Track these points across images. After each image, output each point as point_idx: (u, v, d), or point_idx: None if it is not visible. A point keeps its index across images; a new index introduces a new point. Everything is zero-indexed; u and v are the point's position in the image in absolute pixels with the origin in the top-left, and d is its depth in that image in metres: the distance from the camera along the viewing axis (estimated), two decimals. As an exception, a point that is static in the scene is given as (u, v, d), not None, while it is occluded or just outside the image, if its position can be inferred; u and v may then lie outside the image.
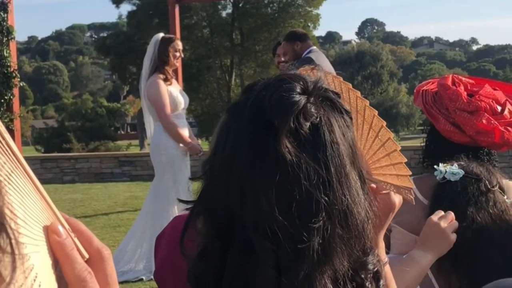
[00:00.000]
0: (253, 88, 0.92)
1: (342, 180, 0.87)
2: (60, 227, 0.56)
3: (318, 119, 0.87)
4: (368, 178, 0.95)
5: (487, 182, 1.69)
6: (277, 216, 0.83)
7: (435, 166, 1.75)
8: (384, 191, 1.15)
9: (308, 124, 0.86)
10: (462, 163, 1.75)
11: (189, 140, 5.18)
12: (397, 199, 1.17)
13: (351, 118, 0.93)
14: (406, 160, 1.15)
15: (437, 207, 1.67)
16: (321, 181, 0.85)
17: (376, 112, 1.13)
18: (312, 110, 0.87)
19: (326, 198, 0.84)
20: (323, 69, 1.06)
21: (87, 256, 0.58)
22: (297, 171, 0.84)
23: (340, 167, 0.87)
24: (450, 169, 1.71)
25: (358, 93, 1.14)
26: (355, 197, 0.88)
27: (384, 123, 1.12)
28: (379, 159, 1.13)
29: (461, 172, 1.70)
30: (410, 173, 1.15)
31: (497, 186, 1.70)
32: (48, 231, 0.55)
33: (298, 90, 0.88)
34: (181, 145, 5.16)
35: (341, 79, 1.16)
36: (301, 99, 0.87)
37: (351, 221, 0.87)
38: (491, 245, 1.61)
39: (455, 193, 1.68)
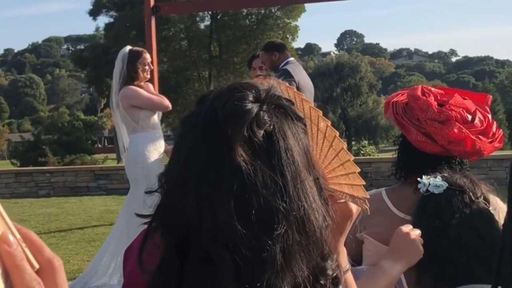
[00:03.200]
0: (206, 98, 0.93)
1: (298, 187, 0.86)
2: (10, 237, 0.56)
3: (271, 126, 0.87)
4: (324, 187, 0.95)
5: (471, 193, 1.65)
6: (236, 225, 0.82)
7: (418, 179, 1.73)
8: (341, 200, 1.15)
9: (261, 132, 0.86)
10: (446, 174, 1.72)
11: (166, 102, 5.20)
12: (354, 207, 1.17)
13: (305, 125, 0.93)
14: (359, 170, 1.16)
15: (420, 220, 1.64)
16: (278, 188, 0.84)
17: (329, 123, 1.15)
18: (265, 117, 0.87)
19: (284, 205, 0.84)
20: (276, 78, 1.07)
21: (37, 266, 0.57)
22: (253, 179, 0.83)
23: (296, 173, 0.87)
24: (433, 182, 1.67)
25: (312, 104, 1.15)
26: (311, 203, 0.88)
27: (337, 133, 1.15)
28: (334, 168, 1.15)
29: (445, 184, 1.66)
30: (364, 183, 1.16)
31: (482, 197, 1.67)
32: None
33: (251, 98, 0.88)
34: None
35: (294, 89, 1.15)
36: (253, 107, 0.87)
37: (309, 227, 0.87)
38: (476, 261, 1.57)
39: (439, 206, 1.64)
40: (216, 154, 0.85)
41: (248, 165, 0.84)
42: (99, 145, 52.34)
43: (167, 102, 5.20)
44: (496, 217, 1.70)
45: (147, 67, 5.14)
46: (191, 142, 0.89)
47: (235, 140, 0.84)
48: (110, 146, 47.77)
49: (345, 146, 1.15)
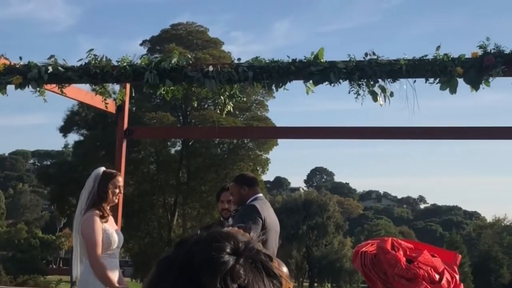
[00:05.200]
0: (185, 243, 0.92)
1: None
2: None
3: (246, 281, 0.86)
4: None
5: None
6: None
7: None
8: None
9: (235, 286, 0.86)
10: None
11: (116, 284, 4.94)
12: None
13: (280, 283, 0.92)
14: None
15: None
16: None
17: (291, 285, 1.11)
18: (241, 271, 0.86)
19: None
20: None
21: None
22: None
23: None
24: None
25: (276, 263, 1.11)
26: None
27: None
28: None
29: None
30: None
31: None
32: None
33: (228, 250, 0.88)
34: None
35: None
36: (230, 259, 0.87)
37: None
38: None
39: None
40: None
41: None
42: (54, 266, 50.53)
43: (103, 270, 4.85)
44: None
45: (117, 191, 5.11)
46: (164, 286, 0.88)
47: None
48: (65, 267, 46.10)
49: None
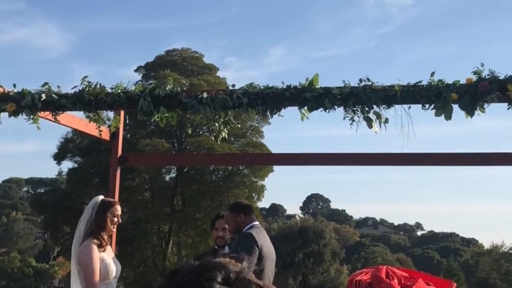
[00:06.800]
0: (177, 273, 0.92)
1: None
2: None
3: None
4: None
5: None
6: None
7: None
8: None
9: None
10: None
11: None
12: None
13: None
14: None
15: None
16: None
17: None
18: None
19: None
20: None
21: None
22: None
23: None
24: None
25: None
26: None
27: None
28: None
29: None
30: None
31: None
32: None
33: (219, 279, 0.87)
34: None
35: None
36: None
37: None
38: None
39: None
40: None
41: None
42: (47, 296, 49.87)
43: None
44: None
45: (115, 219, 5.07)
46: None
47: None
48: (59, 297, 45.58)
49: None
